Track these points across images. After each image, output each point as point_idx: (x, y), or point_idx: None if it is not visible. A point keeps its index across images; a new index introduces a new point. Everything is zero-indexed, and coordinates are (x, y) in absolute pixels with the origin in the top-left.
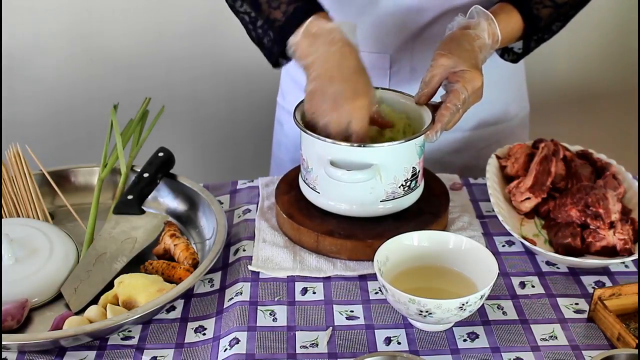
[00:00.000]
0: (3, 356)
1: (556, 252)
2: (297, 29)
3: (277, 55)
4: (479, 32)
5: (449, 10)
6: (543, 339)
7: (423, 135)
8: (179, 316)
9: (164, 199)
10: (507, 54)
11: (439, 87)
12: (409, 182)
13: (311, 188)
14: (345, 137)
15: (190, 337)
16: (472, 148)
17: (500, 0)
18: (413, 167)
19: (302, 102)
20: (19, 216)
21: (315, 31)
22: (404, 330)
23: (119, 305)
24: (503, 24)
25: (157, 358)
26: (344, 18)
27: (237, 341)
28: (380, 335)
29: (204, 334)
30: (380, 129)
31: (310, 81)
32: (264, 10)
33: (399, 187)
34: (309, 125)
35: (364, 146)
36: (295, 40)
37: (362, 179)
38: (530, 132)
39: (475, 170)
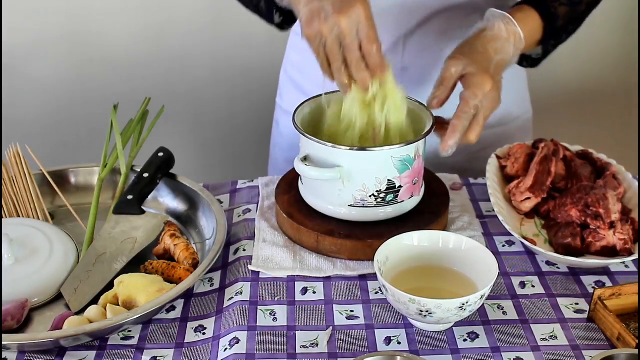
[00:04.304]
0: (3, 356)
1: (556, 252)
2: None
3: (273, 10)
4: (495, 33)
5: (441, 10)
6: (543, 339)
7: (412, 154)
8: (179, 316)
9: (164, 199)
10: (526, 60)
11: (452, 91)
12: (383, 194)
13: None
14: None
15: (190, 336)
16: (468, 150)
17: (516, 4)
18: (389, 180)
19: (302, 105)
20: (19, 216)
21: None
22: (404, 330)
23: (119, 305)
24: (522, 23)
25: (157, 358)
26: None
27: (237, 341)
28: (380, 335)
29: (204, 334)
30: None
31: (303, 7)
32: None
33: (370, 196)
34: (309, 129)
35: (332, 146)
36: None
37: (317, 176)
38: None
39: (469, 173)
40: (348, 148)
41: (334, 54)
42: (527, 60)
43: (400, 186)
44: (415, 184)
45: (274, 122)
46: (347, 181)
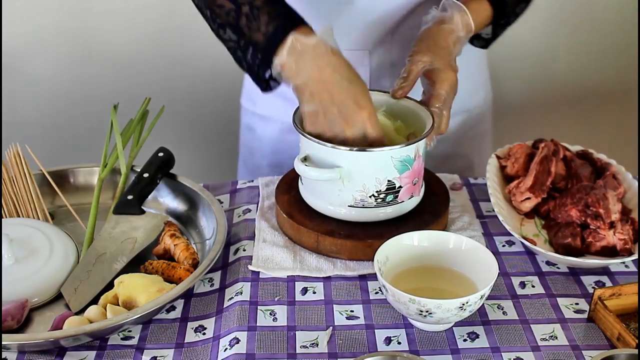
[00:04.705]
0: (3, 356)
1: (556, 252)
2: (280, 49)
3: (265, 79)
4: (453, 26)
5: (420, 2)
6: (543, 339)
7: (412, 154)
8: (179, 316)
9: (164, 199)
10: (477, 40)
11: (415, 82)
12: (383, 195)
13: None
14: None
15: (190, 337)
16: (450, 137)
17: None
18: (389, 181)
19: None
20: (19, 216)
21: (300, 48)
22: (404, 330)
23: (119, 305)
24: (475, 14)
25: (157, 358)
26: (319, 19)
27: (237, 341)
28: (380, 335)
29: (204, 334)
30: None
31: (307, 102)
32: (245, 34)
33: (370, 196)
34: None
35: (332, 147)
36: (281, 60)
37: (317, 176)
38: (530, 132)
39: (454, 159)
40: (348, 149)
41: None
42: (479, 41)
43: (400, 186)
44: (415, 184)
45: (243, 129)
46: (347, 181)
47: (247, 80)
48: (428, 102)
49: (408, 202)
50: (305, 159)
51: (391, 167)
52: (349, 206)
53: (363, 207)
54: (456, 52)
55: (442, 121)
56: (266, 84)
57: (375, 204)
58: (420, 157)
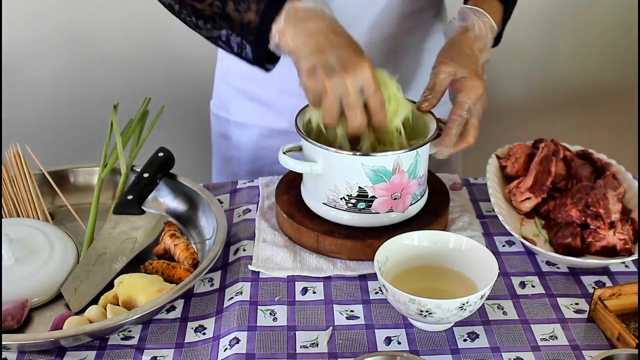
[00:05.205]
0: (3, 356)
1: (556, 252)
2: (278, 18)
3: (264, 57)
4: (477, 33)
5: None
6: (543, 339)
7: (389, 166)
8: (179, 316)
9: (164, 199)
10: None
11: (442, 93)
12: (354, 200)
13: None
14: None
15: (190, 336)
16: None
17: None
18: (360, 187)
19: (302, 110)
20: (19, 216)
21: (300, 14)
22: (404, 330)
23: (119, 305)
24: (492, 15)
25: (157, 358)
26: None
27: (237, 341)
28: (380, 335)
29: (204, 334)
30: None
31: (305, 58)
32: (235, 19)
33: (340, 198)
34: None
35: (312, 144)
36: (279, 27)
37: (292, 167)
38: (530, 132)
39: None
40: (322, 146)
41: (332, 110)
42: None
43: (374, 196)
44: (396, 199)
45: (216, 137)
46: (320, 179)
47: (219, 88)
48: (451, 111)
49: (385, 215)
50: (288, 151)
51: (362, 174)
52: (323, 203)
53: (335, 207)
54: (483, 59)
55: (469, 132)
56: (264, 62)
57: (346, 207)
58: (403, 172)
